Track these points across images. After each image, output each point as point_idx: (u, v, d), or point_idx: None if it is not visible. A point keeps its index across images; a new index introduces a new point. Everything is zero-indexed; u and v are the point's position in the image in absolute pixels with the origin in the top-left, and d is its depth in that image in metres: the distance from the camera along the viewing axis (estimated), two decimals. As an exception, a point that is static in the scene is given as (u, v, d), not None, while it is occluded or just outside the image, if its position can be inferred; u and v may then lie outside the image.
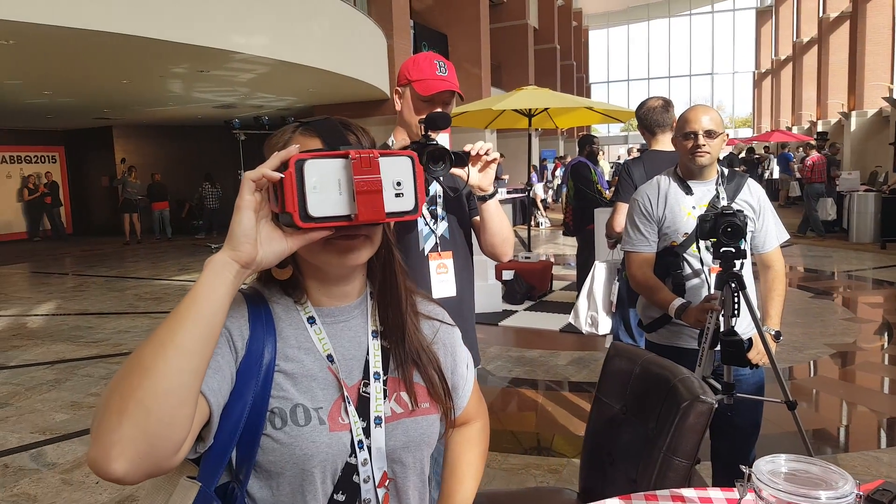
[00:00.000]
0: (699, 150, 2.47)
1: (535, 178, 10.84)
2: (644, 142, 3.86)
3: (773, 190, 21.07)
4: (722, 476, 2.62)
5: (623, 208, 3.43)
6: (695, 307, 2.38)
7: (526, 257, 8.61)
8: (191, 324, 0.85)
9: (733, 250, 2.28)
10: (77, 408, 4.75)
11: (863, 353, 5.62)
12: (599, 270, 4.10)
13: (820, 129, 23.58)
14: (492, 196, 2.05)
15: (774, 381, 2.53)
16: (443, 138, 1.97)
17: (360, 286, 1.14)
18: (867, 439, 4.01)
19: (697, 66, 48.97)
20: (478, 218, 2.15)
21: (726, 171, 2.61)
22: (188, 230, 17.89)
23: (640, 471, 1.73)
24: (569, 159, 13.23)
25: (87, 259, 13.64)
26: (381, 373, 1.11)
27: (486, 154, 1.94)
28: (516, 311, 7.37)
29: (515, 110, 8.74)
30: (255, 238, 0.90)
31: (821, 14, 26.94)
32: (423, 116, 1.84)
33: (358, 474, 1.06)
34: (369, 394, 1.09)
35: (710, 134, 2.46)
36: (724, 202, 2.50)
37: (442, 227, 2.16)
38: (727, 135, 2.59)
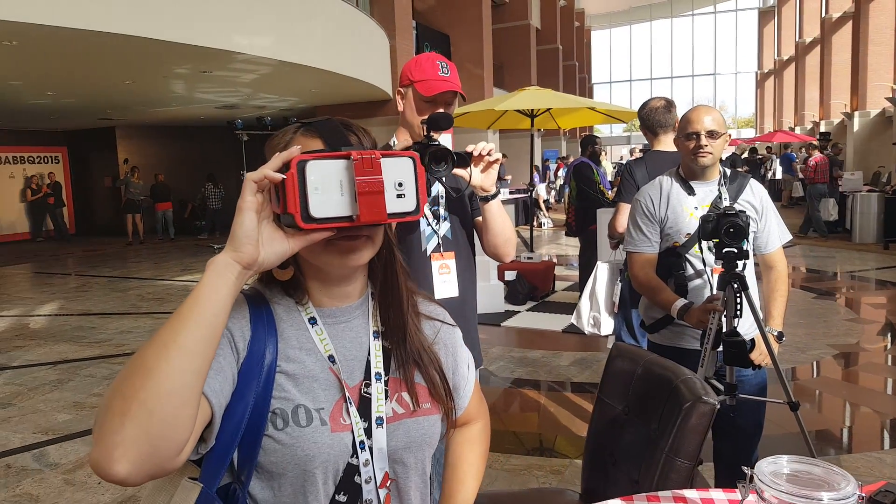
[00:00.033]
0: (701, 150, 2.47)
1: (536, 178, 10.84)
2: (646, 142, 3.85)
3: (775, 190, 21.06)
4: (724, 477, 2.61)
5: (625, 209, 3.42)
6: (697, 308, 2.38)
7: (528, 258, 8.61)
8: (193, 325, 0.85)
9: (736, 251, 2.27)
10: (79, 408, 4.76)
11: (866, 354, 5.61)
12: (602, 271, 4.09)
13: (823, 129, 23.55)
14: (494, 196, 2.04)
15: (777, 382, 2.53)
16: (445, 139, 1.97)
17: (362, 287, 1.14)
18: (870, 440, 4.00)
19: (700, 67, 48.94)
20: (480, 218, 2.15)
21: (728, 171, 2.61)
22: (191, 231, 17.91)
23: (643, 472, 1.73)
24: (571, 160, 13.24)
25: (90, 259, 13.66)
26: (383, 373, 1.11)
27: (489, 154, 1.94)
28: (519, 312, 7.37)
29: (518, 111, 8.74)
30: (256, 239, 0.90)
31: (823, 14, 26.88)
32: (426, 117, 1.84)
33: (359, 475, 1.06)
34: (371, 394, 1.09)
35: (712, 134, 2.46)
36: (726, 203, 2.49)
37: (444, 227, 2.16)
38: (729, 135, 2.59)
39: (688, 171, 2.59)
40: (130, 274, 11.50)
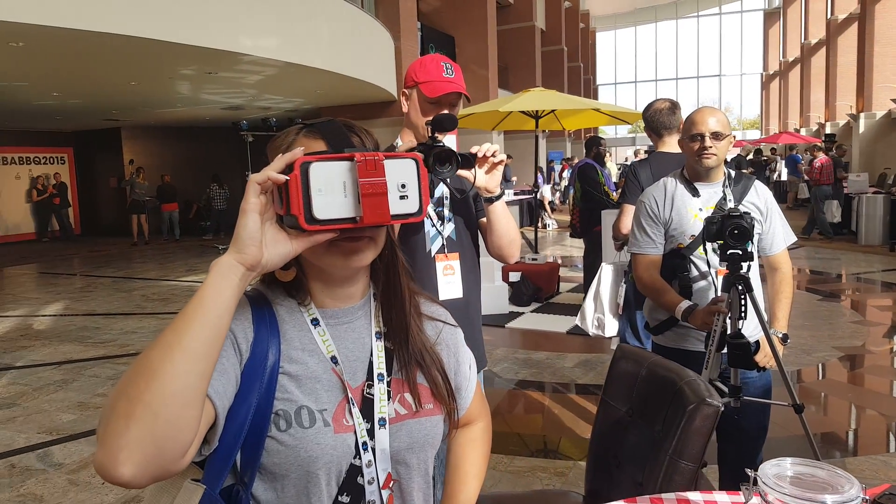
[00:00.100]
0: (706, 151, 2.47)
1: (540, 179, 10.82)
2: (651, 144, 3.85)
3: (780, 192, 21.01)
4: (729, 479, 2.61)
5: (629, 210, 3.42)
6: (701, 309, 2.38)
7: (533, 259, 8.61)
8: (197, 326, 0.85)
9: (740, 252, 2.27)
10: (84, 408, 4.77)
11: (871, 357, 5.59)
12: (606, 272, 4.09)
13: (828, 130, 23.50)
14: (499, 198, 2.05)
15: (782, 385, 2.52)
16: (450, 140, 1.96)
17: (364, 288, 1.15)
18: (875, 443, 3.99)
19: (705, 68, 48.88)
20: (485, 219, 2.15)
21: (733, 172, 2.60)
22: (196, 231, 17.94)
23: (646, 474, 1.72)
24: (576, 161, 13.22)
25: (95, 260, 13.70)
26: (385, 374, 1.11)
27: (493, 156, 1.94)
28: (523, 313, 7.37)
29: (522, 112, 8.74)
30: (260, 241, 0.90)
31: (829, 15, 26.82)
32: (430, 118, 1.84)
33: (362, 476, 1.06)
34: (373, 395, 1.09)
35: (716, 136, 2.46)
36: (730, 204, 2.49)
37: (449, 228, 2.16)
38: (734, 136, 2.58)
39: (692, 173, 2.58)
40: (135, 274, 11.52)
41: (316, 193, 0.88)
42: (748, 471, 1.08)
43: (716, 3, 47.73)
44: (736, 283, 2.29)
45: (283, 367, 1.04)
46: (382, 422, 1.08)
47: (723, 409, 1.67)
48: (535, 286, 7.86)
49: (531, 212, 15.78)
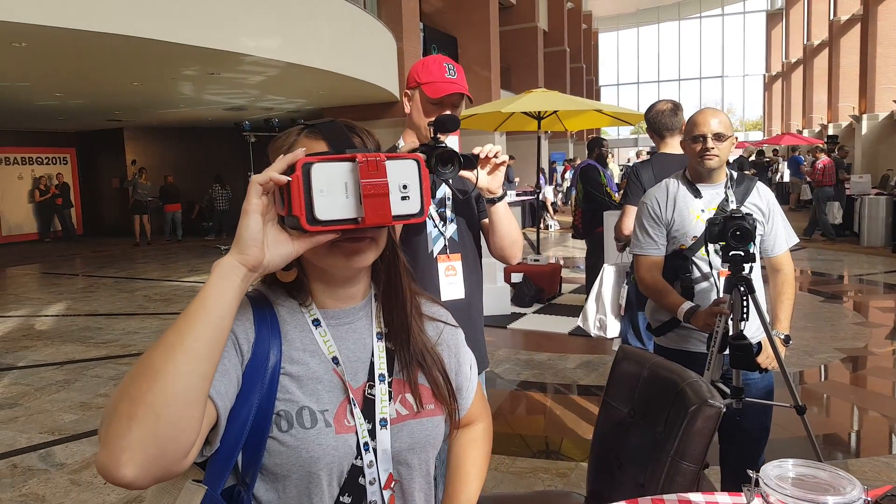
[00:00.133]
0: (708, 153, 2.46)
1: (542, 181, 10.82)
2: (653, 145, 3.85)
3: (783, 193, 21.00)
4: (731, 480, 2.60)
5: (631, 211, 3.42)
6: (703, 311, 2.37)
7: (535, 260, 8.60)
8: (199, 327, 0.85)
9: (742, 254, 2.27)
10: (86, 408, 4.77)
11: (874, 358, 5.58)
12: (608, 273, 4.09)
13: (831, 132, 23.50)
14: (501, 199, 2.05)
15: (784, 386, 2.52)
16: (452, 141, 1.97)
17: (365, 288, 1.15)
18: (878, 445, 3.98)
19: (707, 69, 48.89)
20: (487, 220, 2.15)
21: (735, 174, 2.60)
22: (198, 232, 17.95)
23: (648, 475, 1.72)
24: (578, 162, 13.21)
25: (98, 260, 13.71)
26: (386, 374, 1.11)
27: (495, 157, 1.94)
28: (525, 314, 7.37)
29: (525, 113, 8.73)
30: (262, 241, 0.90)
31: (831, 17, 26.82)
32: (432, 119, 1.84)
33: (364, 476, 1.06)
34: (374, 396, 1.09)
35: (718, 137, 2.46)
36: (733, 205, 2.49)
37: (451, 229, 2.16)
38: (736, 138, 2.58)
39: (694, 174, 2.58)
40: (137, 275, 11.53)
41: (318, 194, 0.88)
42: (750, 472, 1.08)
43: (718, 4, 47.74)
44: (738, 284, 2.29)
45: (284, 368, 1.04)
46: (384, 422, 1.08)
47: (724, 410, 1.67)
48: (538, 287, 7.86)
49: (533, 213, 15.77)
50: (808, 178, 15.96)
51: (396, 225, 1.00)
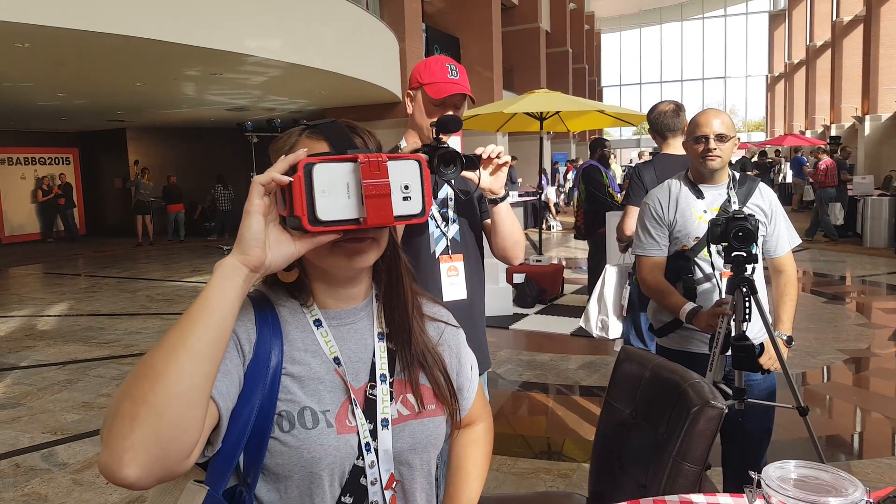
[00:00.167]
0: (710, 153, 2.46)
1: (544, 181, 10.79)
2: (655, 146, 3.85)
3: (785, 194, 20.98)
4: (733, 482, 2.60)
5: (634, 212, 3.42)
6: (706, 311, 2.37)
7: (537, 260, 8.60)
8: (202, 328, 0.85)
9: (744, 254, 2.27)
10: (88, 408, 4.78)
11: (877, 360, 5.57)
12: (610, 274, 4.08)
13: (833, 133, 23.48)
14: (503, 199, 2.05)
15: (786, 387, 2.52)
16: (454, 141, 1.96)
17: (366, 288, 1.15)
18: (881, 446, 3.97)
19: (710, 70, 48.85)
20: (489, 221, 2.15)
21: (737, 175, 2.60)
22: (200, 232, 17.97)
23: (650, 476, 1.72)
24: (580, 162, 13.22)
25: (100, 260, 13.73)
26: (388, 375, 1.11)
27: (498, 157, 1.94)
28: (527, 315, 7.36)
29: (527, 113, 8.74)
30: (264, 242, 0.90)
31: (834, 17, 26.79)
32: (435, 119, 1.84)
33: (365, 477, 1.06)
34: (376, 396, 1.09)
35: (721, 138, 2.45)
36: (735, 206, 2.48)
37: (453, 229, 2.16)
38: (738, 139, 2.58)
39: (696, 175, 2.58)
40: (140, 275, 11.54)
41: (319, 195, 0.88)
42: (752, 473, 1.08)
43: (721, 4, 47.69)
44: (740, 285, 2.29)
45: (285, 369, 1.04)
46: (385, 422, 1.08)
47: (727, 411, 1.66)
48: (540, 288, 7.86)
49: (535, 213, 15.77)
50: (811, 179, 15.95)
51: (398, 225, 1.00)
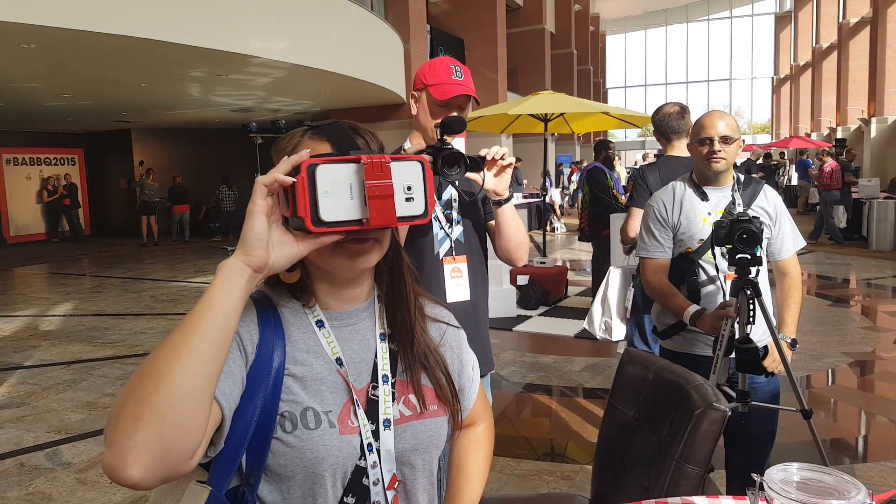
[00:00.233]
0: (714, 155, 2.46)
1: (547, 183, 10.77)
2: (660, 147, 3.84)
3: (791, 197, 20.94)
4: (736, 484, 2.60)
5: (637, 214, 3.41)
6: (710, 314, 2.37)
7: (541, 262, 8.60)
8: (205, 328, 0.85)
9: (749, 257, 2.26)
10: (93, 408, 4.79)
11: (881, 363, 5.56)
12: (614, 276, 4.08)
13: (839, 135, 23.41)
14: (507, 201, 2.04)
15: (790, 390, 2.51)
16: (458, 142, 1.97)
17: (369, 289, 1.15)
18: (885, 450, 3.96)
19: (716, 72, 48.75)
20: (493, 222, 2.15)
21: (742, 177, 2.60)
22: (205, 232, 18.02)
23: (653, 478, 1.72)
24: (585, 164, 13.19)
25: (105, 260, 13.76)
26: (390, 375, 1.11)
27: (502, 159, 1.94)
28: (531, 317, 7.36)
29: (531, 115, 8.73)
30: (267, 242, 0.90)
31: (840, 19, 26.73)
32: (439, 121, 1.84)
33: (367, 477, 1.06)
34: (378, 396, 1.09)
35: (725, 140, 2.45)
36: (739, 208, 2.48)
37: (457, 231, 2.16)
38: (743, 140, 2.57)
39: (701, 177, 2.58)
40: (144, 275, 11.57)
41: (322, 196, 0.88)
42: (754, 475, 1.07)
43: (726, 6, 47.61)
44: (744, 287, 2.28)
45: (288, 369, 1.04)
46: (387, 423, 1.08)
47: (730, 413, 1.66)
48: (543, 289, 7.85)
49: (540, 215, 15.76)
50: (815, 182, 15.91)
51: (401, 226, 1.00)
